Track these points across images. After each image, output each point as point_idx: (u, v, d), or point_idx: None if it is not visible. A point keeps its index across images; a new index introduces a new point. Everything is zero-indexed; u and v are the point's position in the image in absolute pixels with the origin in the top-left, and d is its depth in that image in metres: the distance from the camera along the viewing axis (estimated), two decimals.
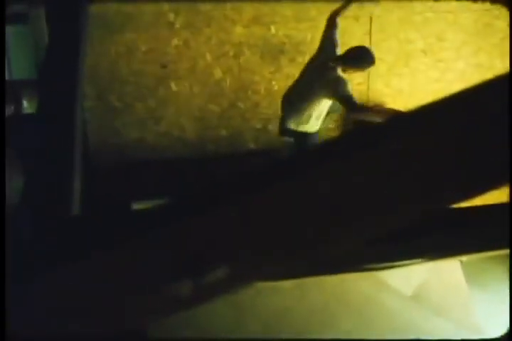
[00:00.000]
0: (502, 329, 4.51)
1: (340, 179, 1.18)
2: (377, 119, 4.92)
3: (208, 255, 1.15)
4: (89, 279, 1.15)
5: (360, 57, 4.82)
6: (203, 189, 1.20)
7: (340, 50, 4.88)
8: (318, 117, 4.99)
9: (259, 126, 5.55)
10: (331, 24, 4.90)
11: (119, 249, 1.17)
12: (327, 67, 4.84)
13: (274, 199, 1.16)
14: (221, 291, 1.22)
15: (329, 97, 4.81)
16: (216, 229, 1.16)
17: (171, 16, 5.07)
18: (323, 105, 4.91)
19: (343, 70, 4.83)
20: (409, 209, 1.24)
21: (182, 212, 1.18)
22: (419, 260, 2.50)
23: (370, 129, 1.32)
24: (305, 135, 5.06)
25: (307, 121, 4.98)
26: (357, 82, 5.19)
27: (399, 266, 2.52)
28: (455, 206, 1.42)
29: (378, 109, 5.04)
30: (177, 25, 5.11)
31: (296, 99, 4.98)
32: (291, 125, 5.02)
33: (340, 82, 4.76)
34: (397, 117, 1.25)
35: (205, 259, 1.15)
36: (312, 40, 5.32)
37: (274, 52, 5.36)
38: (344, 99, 4.73)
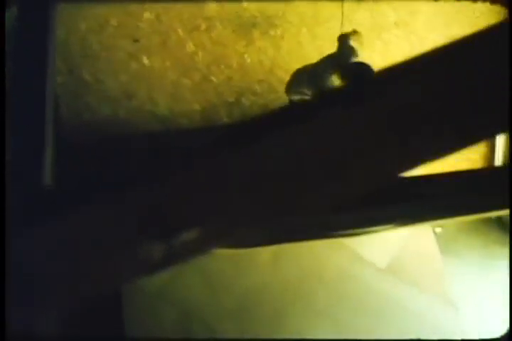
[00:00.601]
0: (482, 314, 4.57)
1: (317, 138, 1.18)
2: None
3: (178, 217, 1.15)
4: (60, 245, 1.15)
5: (358, 73, 4.86)
6: (173, 152, 1.21)
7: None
8: None
9: (232, 99, 5.54)
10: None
11: (88, 214, 1.16)
12: (329, 67, 4.91)
13: (244, 161, 1.16)
14: (192, 253, 1.22)
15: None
16: (186, 191, 1.16)
17: None
18: None
19: (340, 77, 4.88)
20: (390, 168, 1.24)
21: (149, 175, 1.19)
22: (393, 225, 2.52)
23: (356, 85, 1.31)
24: None
25: None
26: (329, 53, 5.17)
27: (372, 231, 2.53)
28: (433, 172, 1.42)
29: None
30: None
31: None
32: None
33: (324, 79, 4.83)
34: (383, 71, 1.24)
35: (175, 221, 1.15)
36: (284, 14, 5.31)
37: (246, 26, 5.34)
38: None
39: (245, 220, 1.19)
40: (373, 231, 2.40)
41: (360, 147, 1.16)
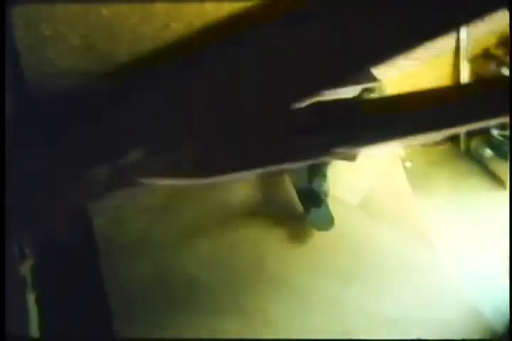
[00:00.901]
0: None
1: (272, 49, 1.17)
2: None
3: (124, 140, 1.16)
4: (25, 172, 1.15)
5: None
6: (120, 79, 1.20)
7: None
8: None
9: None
10: None
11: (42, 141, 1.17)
12: None
13: (192, 84, 1.16)
14: (140, 175, 1.22)
15: None
16: (132, 115, 1.16)
17: None
18: None
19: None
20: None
21: (98, 102, 1.19)
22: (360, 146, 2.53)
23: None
24: None
25: None
26: None
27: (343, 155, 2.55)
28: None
29: None
30: None
31: None
32: None
33: None
34: None
35: (122, 145, 1.15)
36: None
37: None
38: None
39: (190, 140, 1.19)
40: (344, 156, 2.42)
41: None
